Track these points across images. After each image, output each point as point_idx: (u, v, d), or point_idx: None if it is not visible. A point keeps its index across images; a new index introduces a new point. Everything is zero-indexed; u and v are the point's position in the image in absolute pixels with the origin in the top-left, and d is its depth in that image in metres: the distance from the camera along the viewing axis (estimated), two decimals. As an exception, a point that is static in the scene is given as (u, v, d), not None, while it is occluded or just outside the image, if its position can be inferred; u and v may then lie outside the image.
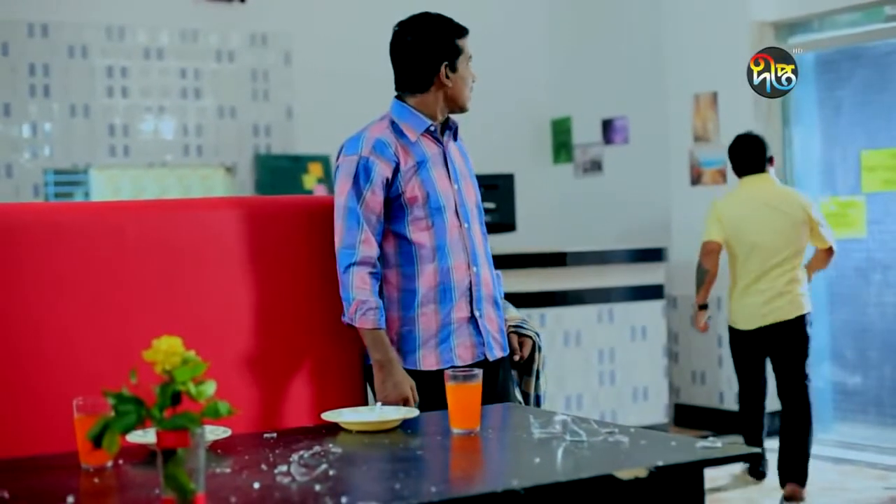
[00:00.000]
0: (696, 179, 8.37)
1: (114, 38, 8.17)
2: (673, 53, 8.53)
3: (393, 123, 3.79)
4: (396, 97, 3.86)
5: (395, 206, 3.73)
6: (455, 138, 3.91)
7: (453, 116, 3.90)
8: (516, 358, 3.93)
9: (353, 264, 3.65)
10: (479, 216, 3.88)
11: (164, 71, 8.33)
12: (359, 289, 3.63)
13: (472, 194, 3.87)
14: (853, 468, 7.05)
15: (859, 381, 7.73)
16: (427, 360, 3.75)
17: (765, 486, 6.63)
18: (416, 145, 3.77)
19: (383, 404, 3.50)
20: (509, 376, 3.93)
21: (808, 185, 7.99)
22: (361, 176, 3.69)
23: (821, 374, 7.96)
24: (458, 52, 3.80)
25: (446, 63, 3.78)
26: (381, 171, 3.69)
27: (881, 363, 7.64)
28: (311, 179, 8.61)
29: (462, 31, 3.84)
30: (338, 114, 8.68)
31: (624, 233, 9.01)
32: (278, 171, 8.55)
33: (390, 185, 3.71)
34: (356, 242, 3.66)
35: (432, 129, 3.80)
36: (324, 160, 8.69)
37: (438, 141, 3.82)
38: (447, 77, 3.79)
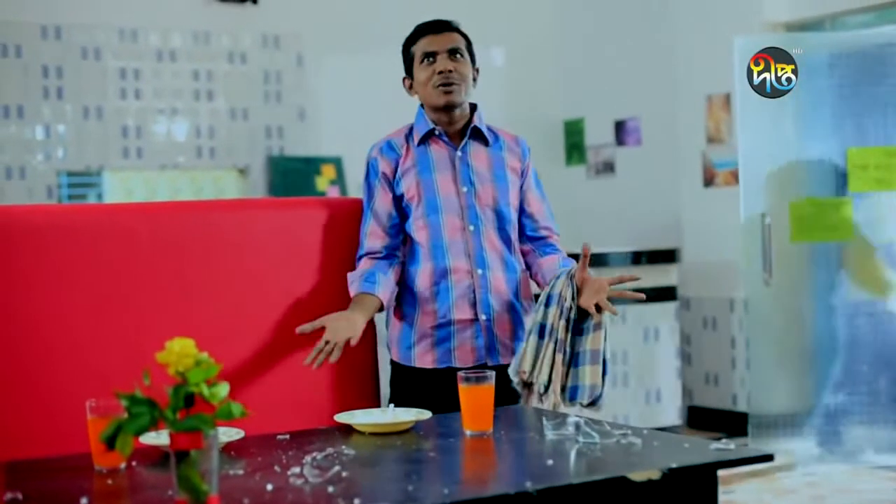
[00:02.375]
0: (709, 181, 8.36)
1: (126, 40, 8.18)
2: (686, 55, 8.53)
3: (410, 128, 3.91)
4: (421, 105, 3.95)
5: (403, 205, 3.84)
6: (487, 143, 3.91)
7: (486, 120, 3.95)
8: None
9: (360, 257, 3.81)
10: (496, 221, 3.86)
11: (176, 73, 8.33)
12: (359, 269, 3.78)
13: (489, 198, 3.85)
14: (865, 469, 7.03)
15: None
16: (423, 358, 3.80)
17: (779, 488, 6.63)
18: (421, 148, 3.85)
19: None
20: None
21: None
22: (371, 174, 3.89)
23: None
24: (412, 58, 3.90)
25: (405, 77, 3.95)
26: (383, 168, 3.84)
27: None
28: (324, 181, 8.62)
29: (415, 36, 3.90)
30: (350, 115, 8.70)
31: (636, 234, 8.99)
32: (291, 173, 8.55)
33: (393, 183, 3.84)
34: (364, 236, 3.82)
35: (437, 132, 3.84)
36: (337, 162, 8.69)
37: (450, 145, 3.84)
38: (412, 88, 3.94)
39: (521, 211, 3.95)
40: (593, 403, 3.63)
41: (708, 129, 8.34)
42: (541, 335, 3.66)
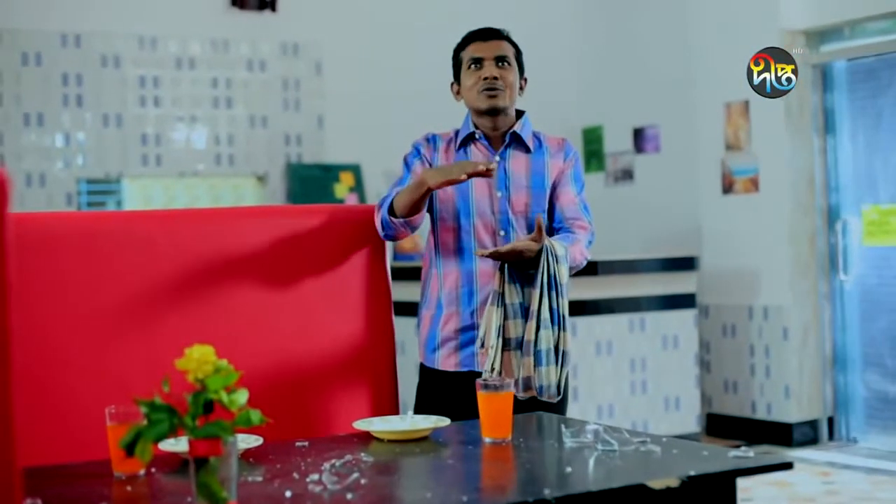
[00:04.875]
0: (727, 188, 8.35)
1: (146, 48, 8.21)
2: (704, 62, 8.52)
3: (457, 131, 3.96)
4: None
5: (434, 206, 3.86)
6: (529, 149, 3.93)
7: (524, 127, 3.98)
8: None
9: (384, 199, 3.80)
10: (528, 227, 3.85)
11: (195, 80, 8.36)
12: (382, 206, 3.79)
13: (522, 205, 3.86)
14: (886, 478, 7.01)
15: (893, 391, 7.69)
16: (446, 361, 3.83)
17: (798, 495, 6.61)
18: (460, 151, 3.90)
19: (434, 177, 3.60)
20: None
21: (843, 194, 7.96)
22: (411, 155, 3.91)
23: (856, 383, 7.93)
24: (460, 64, 3.95)
25: (452, 82, 4.00)
26: (426, 152, 3.90)
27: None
28: (343, 188, 8.63)
29: (465, 42, 3.96)
30: (369, 123, 8.72)
31: (655, 242, 8.99)
32: (309, 181, 8.57)
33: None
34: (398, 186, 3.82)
35: (476, 136, 3.89)
36: (355, 169, 8.70)
37: (490, 150, 3.87)
38: (458, 93, 3.98)
39: (552, 205, 3.93)
40: (539, 394, 3.68)
41: (726, 137, 8.33)
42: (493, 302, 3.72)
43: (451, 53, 3.99)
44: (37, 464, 2.97)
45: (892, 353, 7.73)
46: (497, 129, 3.90)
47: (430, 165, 3.86)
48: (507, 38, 3.95)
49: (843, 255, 7.94)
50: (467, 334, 3.80)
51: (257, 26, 8.56)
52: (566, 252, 3.71)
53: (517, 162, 3.90)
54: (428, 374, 3.90)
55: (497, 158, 3.87)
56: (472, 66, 3.88)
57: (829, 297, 8.06)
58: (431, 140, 3.93)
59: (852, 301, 7.98)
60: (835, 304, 8.05)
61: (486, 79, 3.85)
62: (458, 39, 3.99)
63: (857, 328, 7.93)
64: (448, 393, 3.79)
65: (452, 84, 3.98)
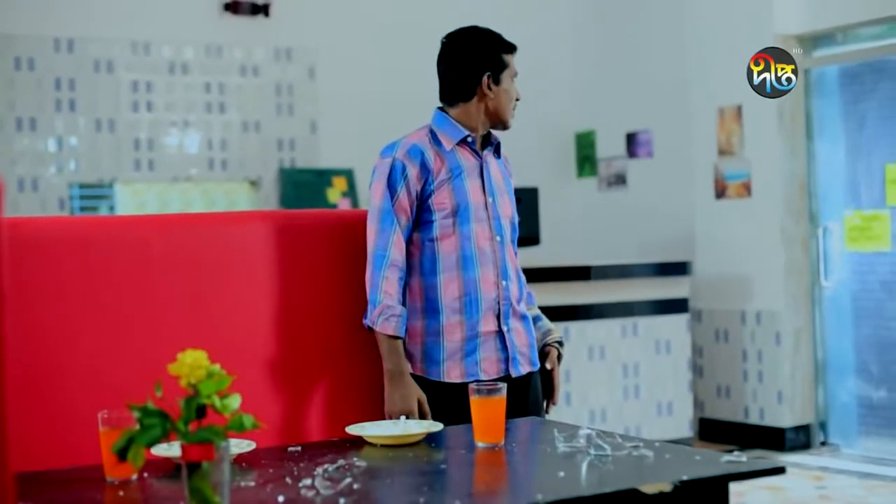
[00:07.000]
0: (720, 193, 8.36)
1: (139, 53, 8.20)
2: (697, 67, 8.53)
3: (432, 132, 3.83)
4: (439, 108, 3.90)
5: (424, 213, 3.75)
6: (498, 154, 3.93)
7: (496, 133, 3.93)
8: (548, 366, 3.92)
9: (385, 266, 3.66)
10: (512, 233, 3.87)
11: (188, 85, 8.36)
12: (386, 293, 3.64)
13: (507, 210, 3.86)
14: (878, 483, 7.01)
15: (885, 396, 7.70)
16: (452, 373, 3.74)
17: (790, 500, 6.61)
18: (451, 154, 3.79)
19: (388, 415, 3.56)
20: (539, 393, 3.89)
21: (833, 198, 7.97)
22: (394, 177, 3.74)
23: (846, 388, 7.93)
24: (503, 66, 3.84)
25: (489, 74, 3.81)
26: (413, 174, 3.73)
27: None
28: (336, 193, 8.63)
29: (509, 48, 3.87)
30: (362, 128, 8.71)
31: (648, 246, 8.99)
32: (302, 185, 8.57)
33: (422, 191, 3.74)
34: (388, 244, 3.68)
35: (469, 140, 3.82)
36: (348, 174, 8.70)
37: (476, 153, 3.83)
38: (489, 88, 3.81)
39: None
40: None
41: (719, 141, 8.33)
42: None
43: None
44: (30, 469, 2.97)
45: (879, 359, 7.74)
46: (483, 136, 3.89)
47: (431, 177, 3.73)
48: None
49: (825, 260, 7.98)
50: (472, 343, 3.75)
51: (250, 31, 8.56)
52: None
53: (494, 167, 3.89)
54: (427, 387, 3.75)
55: (482, 163, 3.85)
56: (513, 79, 3.88)
57: (820, 303, 8.08)
58: (414, 154, 3.75)
59: (836, 307, 7.99)
60: (823, 309, 8.06)
61: (517, 99, 3.89)
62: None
63: (846, 334, 7.94)
64: (450, 404, 3.68)
65: (488, 76, 3.81)
